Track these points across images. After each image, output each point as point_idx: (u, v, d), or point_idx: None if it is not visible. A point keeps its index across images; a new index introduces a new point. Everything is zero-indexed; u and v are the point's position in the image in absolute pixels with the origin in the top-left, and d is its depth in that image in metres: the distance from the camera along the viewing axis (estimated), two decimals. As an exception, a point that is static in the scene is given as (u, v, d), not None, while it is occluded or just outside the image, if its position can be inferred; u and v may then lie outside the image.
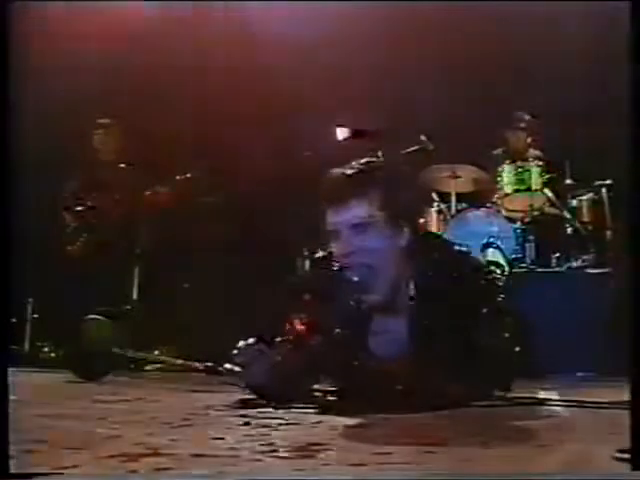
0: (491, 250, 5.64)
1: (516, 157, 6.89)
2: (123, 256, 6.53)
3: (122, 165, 6.80)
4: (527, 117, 6.92)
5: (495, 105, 6.97)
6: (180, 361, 2.93)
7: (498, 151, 7.05)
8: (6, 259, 1.69)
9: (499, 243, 5.92)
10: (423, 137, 6.81)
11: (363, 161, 2.83)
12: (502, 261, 5.48)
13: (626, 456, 1.57)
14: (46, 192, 6.70)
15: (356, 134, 6.56)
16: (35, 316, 6.24)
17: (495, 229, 6.45)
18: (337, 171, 2.81)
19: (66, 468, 1.48)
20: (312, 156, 6.67)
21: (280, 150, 7.29)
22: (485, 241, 5.79)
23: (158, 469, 1.49)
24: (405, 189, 2.85)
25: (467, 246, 6.15)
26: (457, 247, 2.96)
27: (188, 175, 6.73)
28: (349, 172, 2.78)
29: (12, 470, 1.18)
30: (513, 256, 6.21)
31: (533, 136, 6.90)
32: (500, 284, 4.49)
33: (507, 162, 6.85)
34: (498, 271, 5.32)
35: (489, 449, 1.81)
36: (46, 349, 5.78)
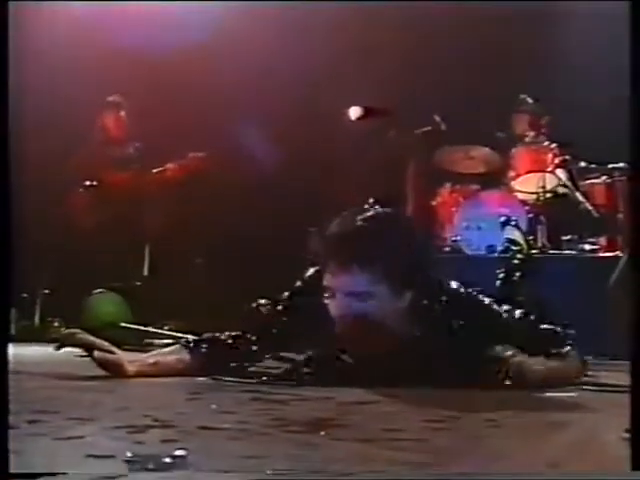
0: (509, 228, 5.57)
1: (524, 139, 6.86)
2: (134, 232, 6.54)
3: (134, 142, 6.80)
4: (530, 100, 6.90)
5: (504, 88, 6.94)
6: (190, 335, 2.92)
7: (502, 134, 7.01)
8: (8, 235, 1.68)
9: (518, 221, 5.82)
10: (437, 118, 6.80)
11: (368, 215, 2.63)
12: (520, 240, 5.40)
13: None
14: (60, 168, 6.71)
15: (369, 113, 6.55)
16: (46, 291, 6.25)
17: (508, 210, 6.43)
18: (340, 225, 2.64)
19: (70, 438, 1.48)
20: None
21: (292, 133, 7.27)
22: (504, 219, 5.69)
23: (164, 441, 1.48)
24: (410, 248, 2.66)
25: (480, 228, 6.20)
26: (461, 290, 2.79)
27: (200, 154, 6.74)
28: (352, 229, 2.59)
29: (12, 470, 1.17)
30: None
31: (542, 119, 6.86)
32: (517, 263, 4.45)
33: (520, 143, 6.83)
34: (515, 248, 5.25)
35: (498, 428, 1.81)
36: (56, 324, 5.79)
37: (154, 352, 2.91)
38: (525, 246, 5.31)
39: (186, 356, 2.79)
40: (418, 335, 2.63)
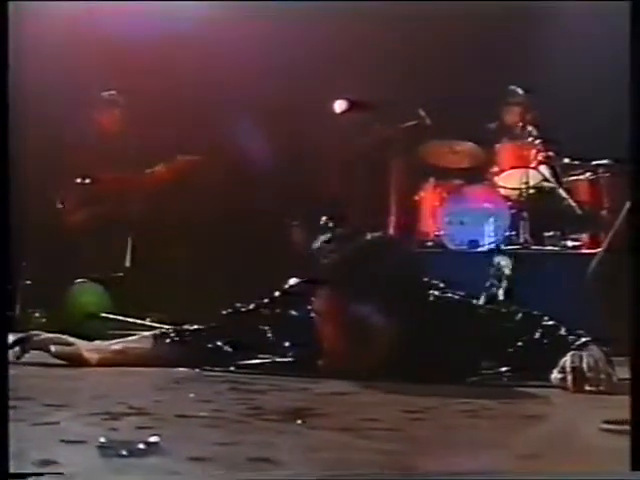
0: (499, 255, 5.56)
1: (512, 133, 6.88)
2: (119, 227, 6.51)
3: (124, 141, 6.72)
4: (520, 92, 6.89)
5: (492, 80, 6.94)
6: (167, 326, 2.91)
7: (493, 125, 7.02)
8: (7, 228, 1.67)
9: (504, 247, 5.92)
10: (421, 112, 6.81)
11: (363, 241, 2.58)
12: (507, 270, 5.34)
13: (612, 427, 1.57)
14: (46, 163, 6.67)
15: (354, 106, 6.56)
16: (28, 282, 6.21)
17: (490, 206, 6.46)
18: (333, 252, 2.55)
19: (47, 424, 1.47)
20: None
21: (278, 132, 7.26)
22: (494, 246, 5.76)
23: (140, 428, 1.48)
24: (404, 274, 2.57)
25: (462, 222, 6.20)
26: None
27: (188, 157, 6.72)
28: (346, 256, 2.51)
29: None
30: (507, 233, 6.25)
31: (529, 112, 6.86)
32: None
33: (504, 139, 6.85)
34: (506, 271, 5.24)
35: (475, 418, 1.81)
36: (37, 314, 5.77)
37: (118, 340, 2.89)
38: (512, 274, 5.28)
39: (151, 345, 2.78)
40: (409, 352, 2.53)
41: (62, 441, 1.32)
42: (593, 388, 2.27)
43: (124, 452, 1.24)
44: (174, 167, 6.75)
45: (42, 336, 2.70)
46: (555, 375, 2.37)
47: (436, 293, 2.69)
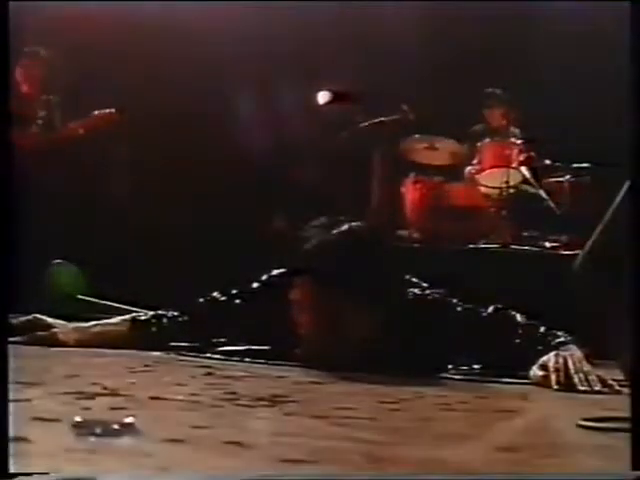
0: None
1: (495, 133, 6.88)
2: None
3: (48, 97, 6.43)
4: (498, 92, 6.90)
5: (476, 79, 6.94)
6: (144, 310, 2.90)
7: (478, 127, 7.03)
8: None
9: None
10: (404, 106, 6.79)
11: (342, 230, 2.52)
12: None
13: (590, 424, 1.57)
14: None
15: (337, 98, 6.54)
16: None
17: (470, 204, 6.47)
18: (313, 240, 2.51)
19: (18, 401, 1.45)
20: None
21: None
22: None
23: (113, 409, 1.46)
24: (384, 264, 2.55)
25: (440, 219, 6.19)
26: None
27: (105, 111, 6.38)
28: (327, 245, 2.49)
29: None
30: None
31: (510, 112, 6.86)
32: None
33: (486, 138, 6.85)
34: None
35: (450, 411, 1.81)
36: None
37: (96, 322, 2.87)
38: None
39: (129, 328, 2.78)
40: (387, 346, 2.51)
41: (35, 419, 1.30)
42: (576, 388, 2.26)
43: (98, 432, 1.22)
44: (90, 123, 6.37)
45: (18, 320, 2.71)
46: (535, 372, 2.37)
47: (414, 289, 2.69)
